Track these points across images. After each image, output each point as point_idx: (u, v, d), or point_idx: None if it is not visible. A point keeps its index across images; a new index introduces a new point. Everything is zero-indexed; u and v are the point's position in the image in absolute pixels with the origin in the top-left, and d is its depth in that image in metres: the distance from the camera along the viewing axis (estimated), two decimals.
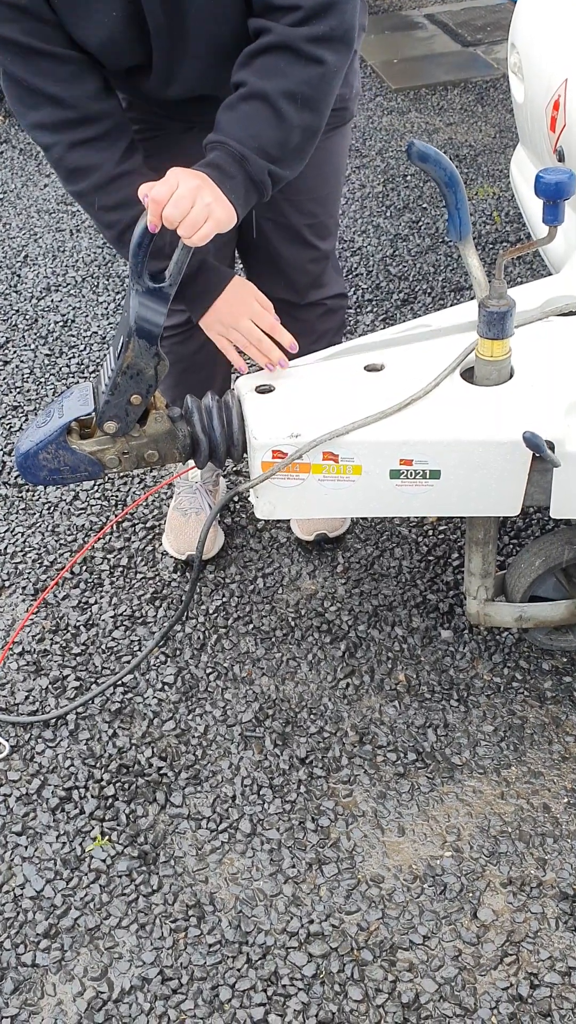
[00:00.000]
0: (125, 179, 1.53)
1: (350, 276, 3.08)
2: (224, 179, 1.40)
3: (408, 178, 3.64)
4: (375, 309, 2.90)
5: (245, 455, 1.58)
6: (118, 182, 1.53)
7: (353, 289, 3.01)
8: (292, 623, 1.97)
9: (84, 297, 3.08)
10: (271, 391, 1.57)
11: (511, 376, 1.52)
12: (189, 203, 1.34)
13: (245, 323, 1.58)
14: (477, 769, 1.68)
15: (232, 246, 1.90)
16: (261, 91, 1.41)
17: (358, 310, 2.91)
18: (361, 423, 1.49)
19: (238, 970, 1.45)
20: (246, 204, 1.45)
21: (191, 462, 1.63)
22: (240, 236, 1.90)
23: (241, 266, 2.01)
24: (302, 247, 1.88)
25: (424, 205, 3.45)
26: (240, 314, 1.58)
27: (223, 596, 2.04)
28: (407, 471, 1.51)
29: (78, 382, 2.71)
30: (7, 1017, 1.42)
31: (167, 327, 1.91)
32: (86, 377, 2.73)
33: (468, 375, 1.55)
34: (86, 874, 1.58)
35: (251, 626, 1.97)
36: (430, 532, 2.15)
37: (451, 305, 2.79)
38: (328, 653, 1.91)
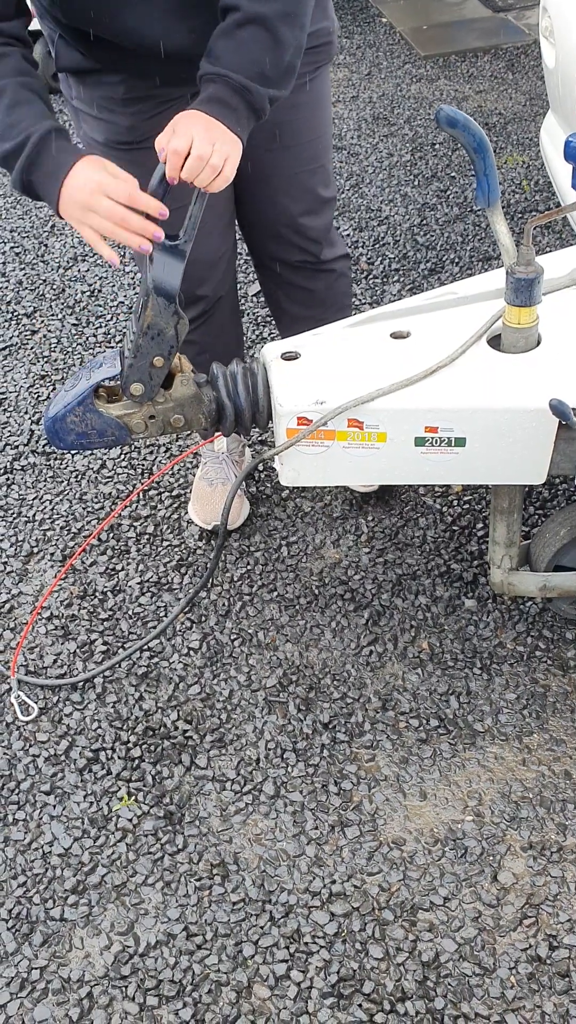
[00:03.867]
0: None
1: (377, 246, 3.06)
2: (229, 114, 1.40)
3: (436, 147, 3.60)
4: (402, 279, 2.89)
5: (271, 423, 1.59)
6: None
7: (380, 258, 2.99)
8: (316, 591, 1.99)
9: (111, 267, 3.08)
10: (297, 358, 1.58)
11: (538, 344, 1.51)
12: (209, 152, 1.34)
13: (103, 202, 1.37)
14: (499, 736, 1.70)
15: (232, 204, 1.86)
16: (259, 15, 1.40)
17: (384, 279, 2.90)
18: (386, 390, 1.49)
19: (261, 927, 1.48)
20: (248, 131, 1.45)
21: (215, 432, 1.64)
22: (240, 205, 1.88)
23: (243, 241, 2.01)
24: (311, 198, 1.87)
25: (452, 174, 3.42)
26: (93, 191, 1.38)
27: (248, 564, 2.05)
28: (432, 439, 1.51)
29: (104, 351, 2.72)
30: (36, 968, 1.46)
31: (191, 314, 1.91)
32: (112, 347, 2.74)
33: (495, 342, 1.54)
34: (113, 833, 1.62)
35: (275, 593, 1.99)
36: (455, 502, 2.15)
37: (480, 274, 2.77)
38: (352, 621, 1.92)
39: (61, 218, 1.46)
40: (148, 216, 1.38)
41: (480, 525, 2.09)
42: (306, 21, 1.47)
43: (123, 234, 1.38)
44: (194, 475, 2.26)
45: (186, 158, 1.36)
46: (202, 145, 1.35)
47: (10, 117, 1.45)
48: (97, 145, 1.74)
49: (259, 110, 1.44)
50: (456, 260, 2.94)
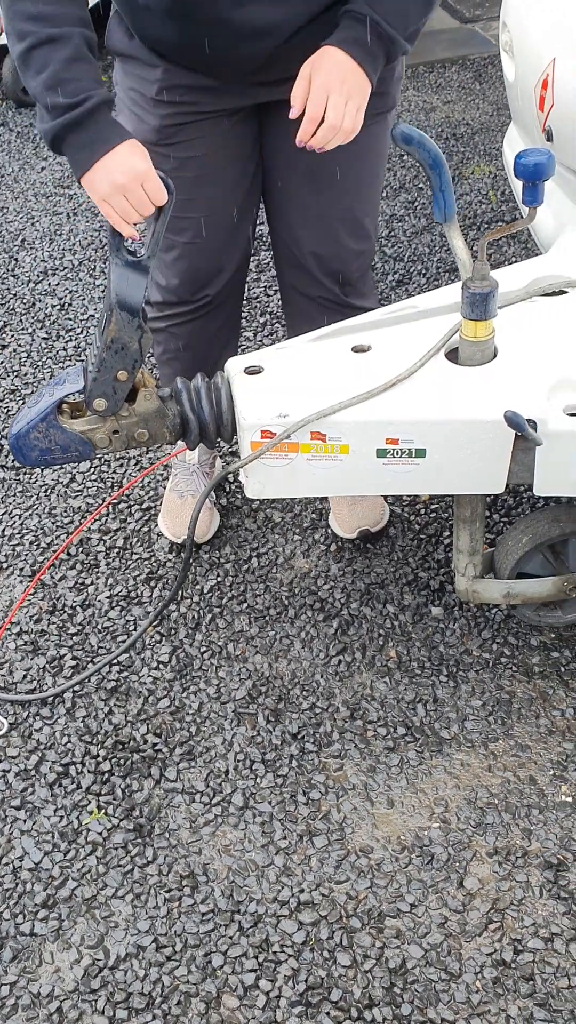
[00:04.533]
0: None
1: None
2: (369, 61, 1.47)
3: (404, 158, 3.63)
4: None
5: (235, 435, 1.60)
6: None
7: None
8: (286, 601, 2.00)
9: (81, 280, 3.09)
10: (260, 372, 1.60)
11: (495, 356, 1.54)
12: (341, 118, 1.43)
13: (138, 192, 1.42)
14: (465, 743, 1.72)
15: (243, 217, 1.84)
16: None
17: None
18: (348, 403, 1.51)
19: (230, 937, 1.49)
20: (376, 78, 1.51)
21: (182, 443, 1.65)
22: (268, 220, 1.88)
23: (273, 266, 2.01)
24: (336, 246, 1.82)
25: (420, 185, 3.45)
26: (134, 179, 1.42)
27: (218, 576, 2.07)
28: (393, 450, 1.53)
29: (75, 365, 2.73)
30: (6, 984, 1.47)
31: (180, 314, 1.92)
32: (83, 360, 2.75)
33: (453, 355, 1.57)
34: (83, 846, 1.62)
35: (245, 605, 2.00)
36: (422, 511, 2.18)
37: (446, 285, 2.80)
38: (321, 631, 1.94)
39: (79, 185, 1.49)
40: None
41: (447, 533, 2.11)
42: None
43: (128, 230, 1.44)
44: (165, 487, 2.27)
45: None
46: (335, 111, 1.41)
47: (69, 71, 1.44)
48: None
49: (393, 62, 1.50)
50: (423, 271, 2.97)
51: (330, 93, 1.39)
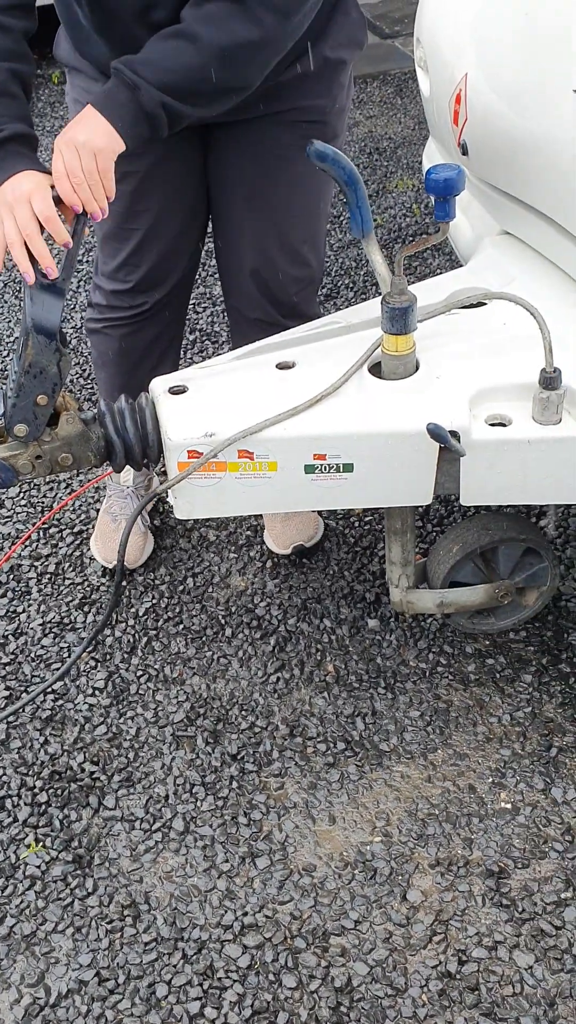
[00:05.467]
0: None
1: None
2: (112, 108, 1.39)
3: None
4: None
5: (162, 456, 1.59)
6: None
7: None
8: (222, 621, 1.99)
9: (6, 303, 3.05)
10: (184, 391, 1.59)
11: (417, 369, 1.55)
12: (75, 160, 1.35)
13: (24, 210, 1.38)
14: (405, 754, 1.72)
15: (186, 232, 1.84)
16: (194, 34, 1.39)
17: None
18: (273, 420, 1.51)
19: (174, 966, 1.47)
20: (135, 134, 1.41)
21: (108, 467, 1.63)
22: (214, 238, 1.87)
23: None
24: (273, 268, 1.83)
25: (344, 199, 3.47)
26: (20, 197, 1.39)
27: (153, 598, 2.05)
28: (321, 465, 1.53)
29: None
30: None
31: (118, 318, 1.92)
32: (2, 387, 2.71)
33: (376, 370, 1.57)
34: (21, 881, 1.59)
35: (181, 626, 1.98)
36: (356, 523, 2.18)
37: (373, 299, 2.82)
38: (258, 649, 1.93)
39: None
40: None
41: (381, 545, 2.12)
42: (242, 72, 1.45)
43: (20, 253, 1.37)
44: (97, 510, 2.24)
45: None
46: (66, 157, 1.36)
47: None
48: None
49: (150, 113, 1.40)
50: (351, 285, 2.99)
51: (61, 148, 1.38)
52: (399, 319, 1.47)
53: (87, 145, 1.37)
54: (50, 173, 1.42)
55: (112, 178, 1.41)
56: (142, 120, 1.41)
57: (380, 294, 1.52)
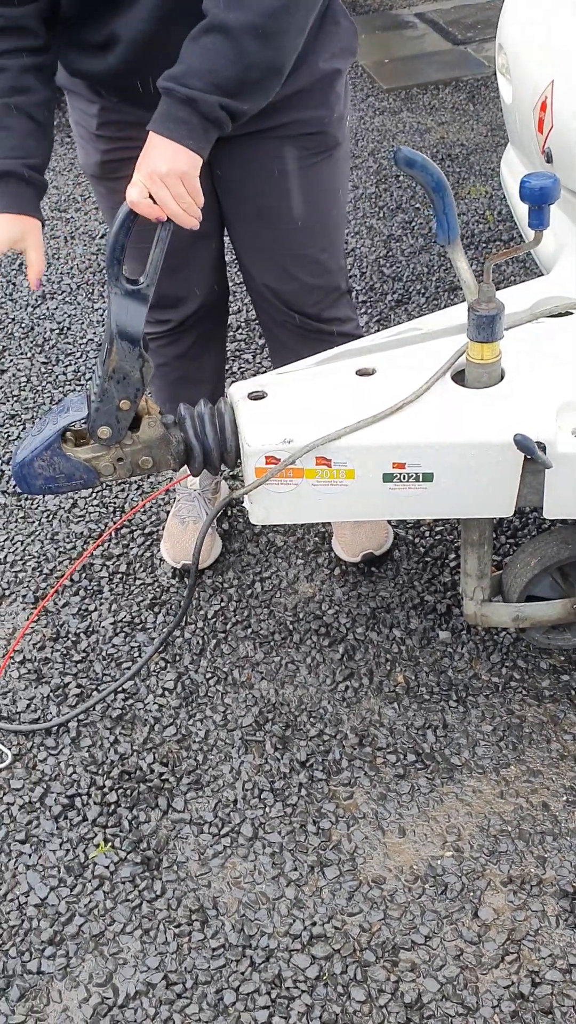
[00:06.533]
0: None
1: None
2: (179, 128, 1.39)
3: (400, 179, 3.65)
4: (369, 311, 2.91)
5: (239, 461, 1.59)
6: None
7: None
8: (290, 627, 1.98)
9: (80, 304, 3.09)
10: (263, 397, 1.58)
11: (502, 378, 1.53)
12: (162, 191, 1.38)
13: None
14: (476, 769, 1.69)
15: (208, 244, 1.85)
16: (222, 24, 1.38)
17: None
18: (353, 427, 1.50)
19: (242, 973, 1.46)
20: (207, 140, 1.43)
21: (186, 469, 1.64)
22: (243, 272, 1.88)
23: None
24: (292, 281, 1.82)
25: (417, 205, 3.46)
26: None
27: (221, 601, 2.05)
28: (400, 474, 1.52)
29: (75, 390, 2.72)
30: None
31: (150, 332, 1.94)
32: (83, 385, 2.74)
33: (459, 378, 1.55)
34: (90, 881, 1.60)
35: (249, 630, 1.98)
36: (427, 533, 2.16)
37: (445, 305, 2.80)
38: (327, 656, 1.92)
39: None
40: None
41: (452, 555, 2.10)
42: (284, 40, 1.44)
43: None
44: (167, 512, 2.25)
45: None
46: (154, 191, 1.37)
47: None
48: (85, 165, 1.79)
49: (214, 120, 1.41)
50: (422, 291, 2.97)
51: (143, 179, 1.38)
52: (486, 327, 1.45)
53: (171, 173, 1.38)
54: (32, 215, 1.51)
55: (200, 191, 1.42)
56: (209, 128, 1.42)
57: (452, 301, 1.50)
